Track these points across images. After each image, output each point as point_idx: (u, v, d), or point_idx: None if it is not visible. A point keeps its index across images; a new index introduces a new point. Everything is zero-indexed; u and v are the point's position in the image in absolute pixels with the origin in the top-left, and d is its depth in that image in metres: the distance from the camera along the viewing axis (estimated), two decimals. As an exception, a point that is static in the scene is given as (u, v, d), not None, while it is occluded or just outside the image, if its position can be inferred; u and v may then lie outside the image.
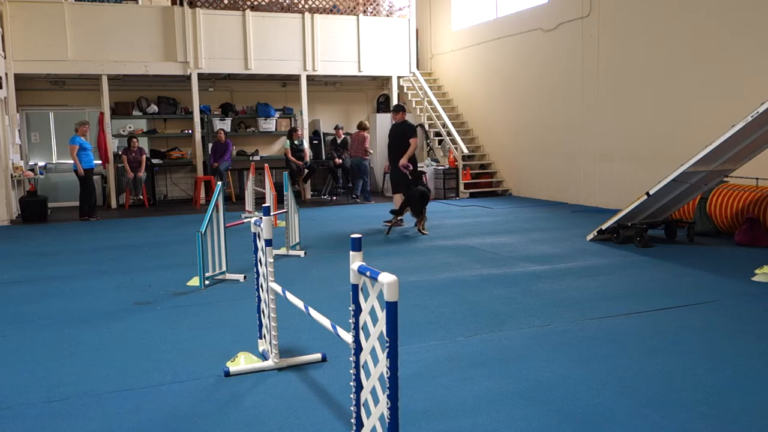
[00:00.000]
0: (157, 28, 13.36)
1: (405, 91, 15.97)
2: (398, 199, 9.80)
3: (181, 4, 13.47)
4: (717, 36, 9.39)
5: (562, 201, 12.72)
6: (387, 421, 2.33)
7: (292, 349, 4.35)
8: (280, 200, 12.11)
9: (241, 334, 4.71)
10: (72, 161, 11.48)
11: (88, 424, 3.27)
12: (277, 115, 15.45)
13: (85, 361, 4.20)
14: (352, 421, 2.70)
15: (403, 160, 9.60)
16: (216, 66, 13.82)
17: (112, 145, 13.61)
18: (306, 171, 14.36)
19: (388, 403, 2.31)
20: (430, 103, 15.31)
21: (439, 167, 14.40)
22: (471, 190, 14.31)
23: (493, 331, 4.68)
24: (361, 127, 13.80)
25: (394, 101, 15.69)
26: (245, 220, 7.89)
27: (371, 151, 14.13)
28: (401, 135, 9.70)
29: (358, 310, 2.58)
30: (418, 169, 9.94)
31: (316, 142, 15.45)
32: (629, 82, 10.95)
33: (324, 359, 4.12)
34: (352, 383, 2.65)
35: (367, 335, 2.53)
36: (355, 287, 2.57)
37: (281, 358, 4.01)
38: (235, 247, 8.10)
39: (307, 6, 14.53)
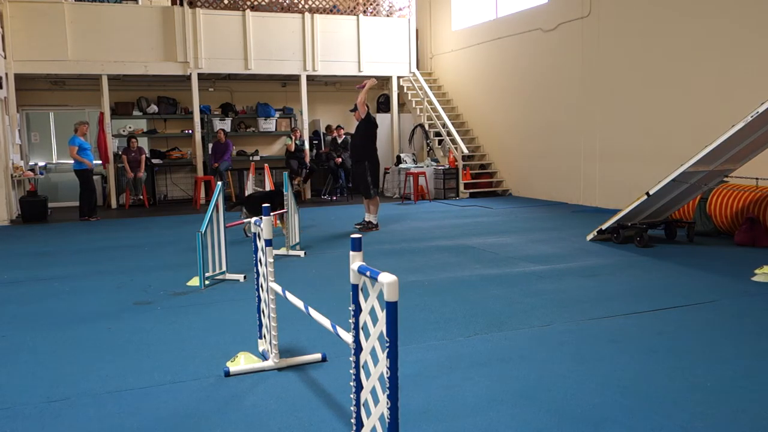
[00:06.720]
0: (157, 28, 13.36)
1: (405, 91, 15.97)
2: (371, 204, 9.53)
3: (181, 4, 13.47)
4: (717, 36, 9.39)
5: (562, 201, 12.71)
6: (387, 421, 2.32)
7: (292, 349, 4.35)
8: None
9: (241, 334, 4.71)
10: (73, 161, 11.49)
11: (88, 424, 3.27)
12: (277, 115, 15.46)
13: (85, 361, 4.20)
14: (352, 421, 2.70)
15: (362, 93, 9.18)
16: (216, 66, 13.82)
17: (112, 145, 13.61)
18: (306, 171, 14.37)
19: (388, 403, 2.31)
20: (430, 103, 15.31)
21: (439, 167, 14.40)
22: (471, 190, 14.31)
23: (493, 331, 4.67)
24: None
25: (394, 101, 15.70)
26: (245, 220, 7.88)
27: None
28: (365, 131, 9.36)
29: (358, 310, 2.58)
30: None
31: (316, 142, 15.46)
32: (629, 82, 10.94)
33: (324, 359, 4.11)
34: (352, 383, 2.65)
35: (367, 335, 2.53)
36: (355, 287, 2.57)
37: (281, 358, 4.01)
38: (235, 247, 8.10)
39: (307, 6, 14.53)
